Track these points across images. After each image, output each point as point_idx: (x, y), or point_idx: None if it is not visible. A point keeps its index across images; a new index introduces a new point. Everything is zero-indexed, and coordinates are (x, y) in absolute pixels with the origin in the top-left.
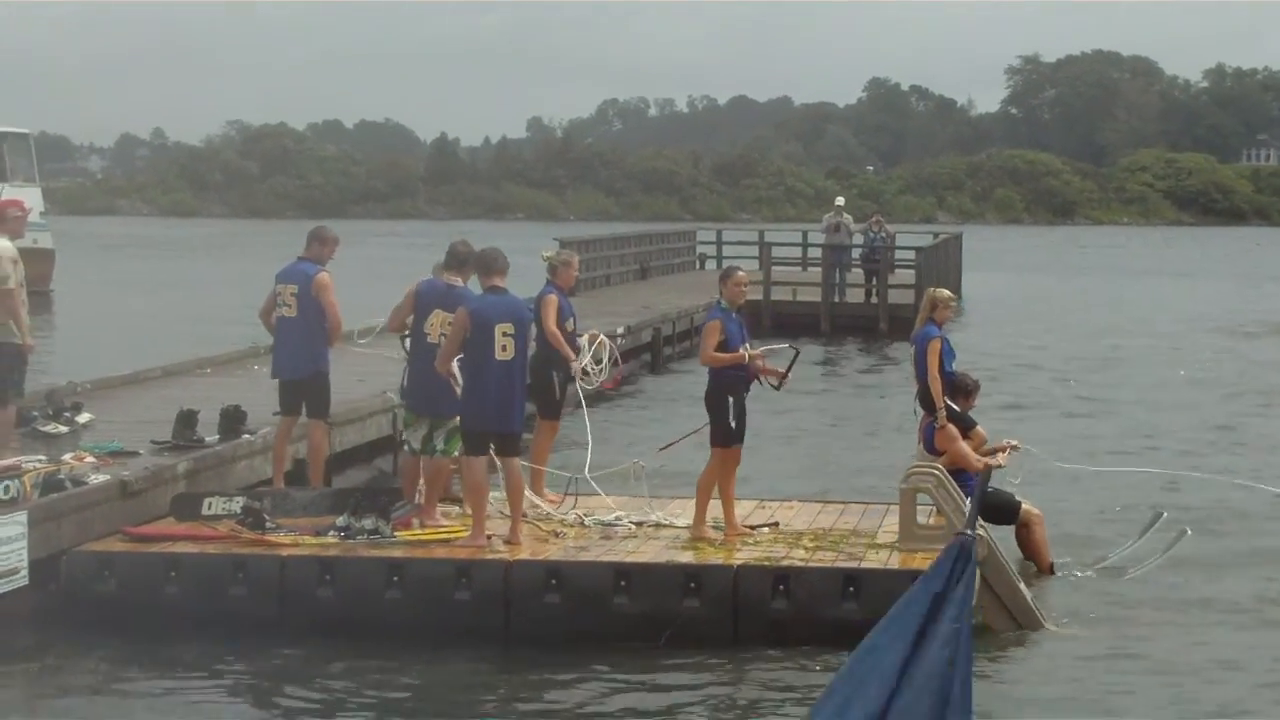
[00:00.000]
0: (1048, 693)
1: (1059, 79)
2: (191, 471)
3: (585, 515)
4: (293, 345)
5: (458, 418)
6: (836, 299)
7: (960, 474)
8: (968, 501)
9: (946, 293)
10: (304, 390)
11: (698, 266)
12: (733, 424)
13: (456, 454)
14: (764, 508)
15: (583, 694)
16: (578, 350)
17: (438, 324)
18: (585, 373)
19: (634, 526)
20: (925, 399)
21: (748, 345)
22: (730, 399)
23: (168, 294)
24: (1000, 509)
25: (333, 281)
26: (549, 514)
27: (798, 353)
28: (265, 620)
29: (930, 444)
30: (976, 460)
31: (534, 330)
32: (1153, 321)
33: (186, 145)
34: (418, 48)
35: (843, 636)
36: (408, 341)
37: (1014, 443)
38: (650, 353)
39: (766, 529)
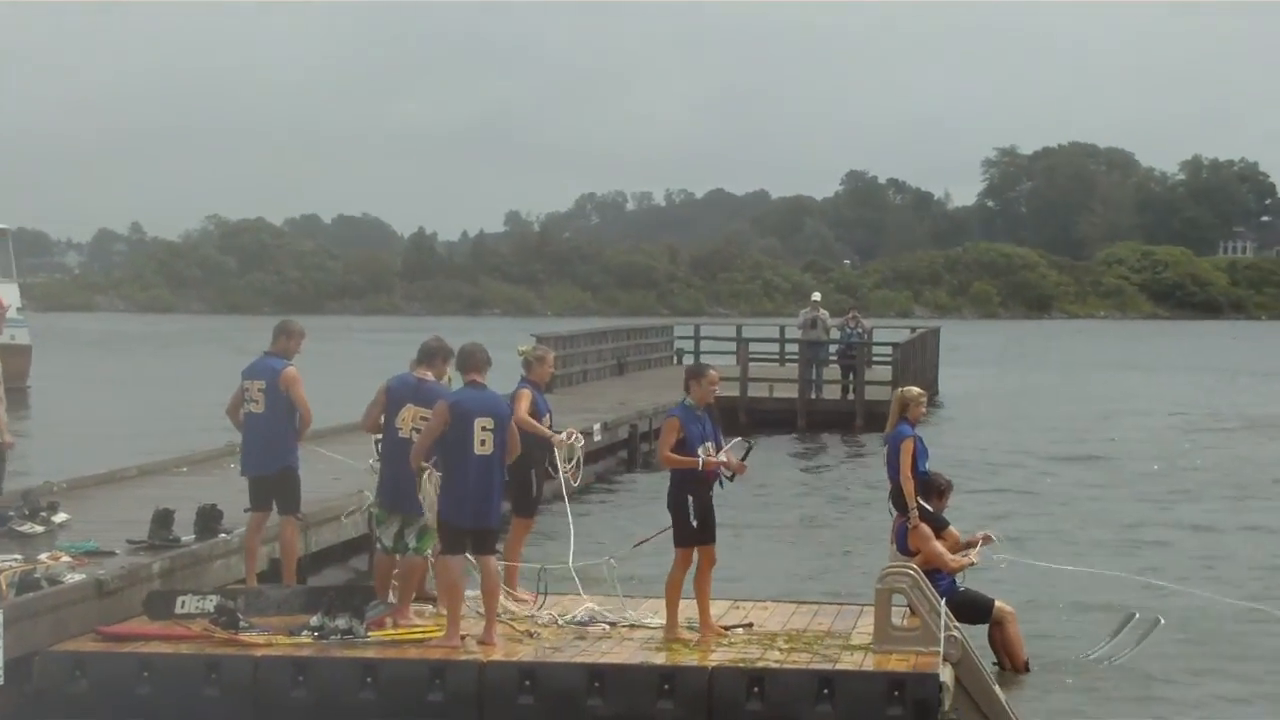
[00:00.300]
0: None
1: (1035, 171)
2: (167, 570)
3: (560, 615)
4: (261, 441)
5: (429, 515)
6: (813, 395)
7: (934, 574)
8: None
9: (916, 390)
10: (273, 486)
11: (675, 361)
12: (694, 523)
13: (430, 553)
14: (738, 608)
15: None
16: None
17: (409, 419)
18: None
19: (608, 626)
20: (898, 499)
21: (707, 447)
22: (690, 498)
23: (145, 391)
24: (974, 607)
25: (300, 376)
26: (527, 614)
27: (750, 446)
28: None
29: (903, 545)
30: (951, 560)
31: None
32: (1131, 416)
33: (164, 240)
34: (395, 140)
35: None
36: (380, 444)
37: (987, 534)
38: (627, 449)
39: (741, 629)
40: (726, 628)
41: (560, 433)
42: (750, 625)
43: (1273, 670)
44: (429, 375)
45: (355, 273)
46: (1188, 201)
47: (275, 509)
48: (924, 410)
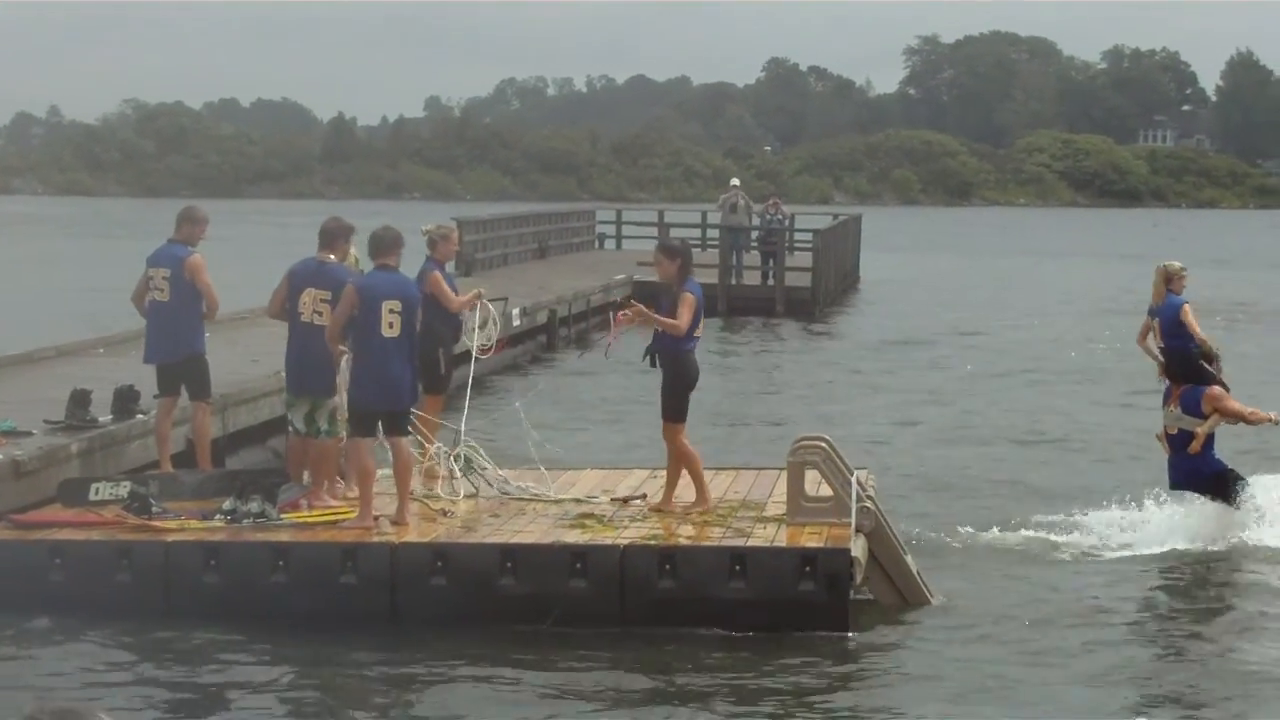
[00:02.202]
0: (916, 668)
1: (957, 59)
2: (85, 451)
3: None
4: (166, 329)
5: (341, 397)
6: (734, 280)
7: (1206, 456)
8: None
9: (1179, 264)
10: (181, 373)
11: (597, 246)
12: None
13: (343, 434)
14: (656, 476)
15: (468, 676)
16: (461, 323)
17: (309, 302)
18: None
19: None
20: (1182, 366)
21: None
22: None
23: (62, 273)
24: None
25: (205, 262)
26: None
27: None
28: (151, 607)
29: (1192, 407)
30: (1250, 412)
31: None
32: (1045, 302)
33: (82, 124)
34: (315, 24)
35: (728, 615)
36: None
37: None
38: (546, 334)
39: (639, 501)
40: (625, 499)
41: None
42: (644, 496)
43: None
44: (330, 257)
45: (274, 157)
46: (1109, 90)
47: (186, 394)
48: (1185, 283)
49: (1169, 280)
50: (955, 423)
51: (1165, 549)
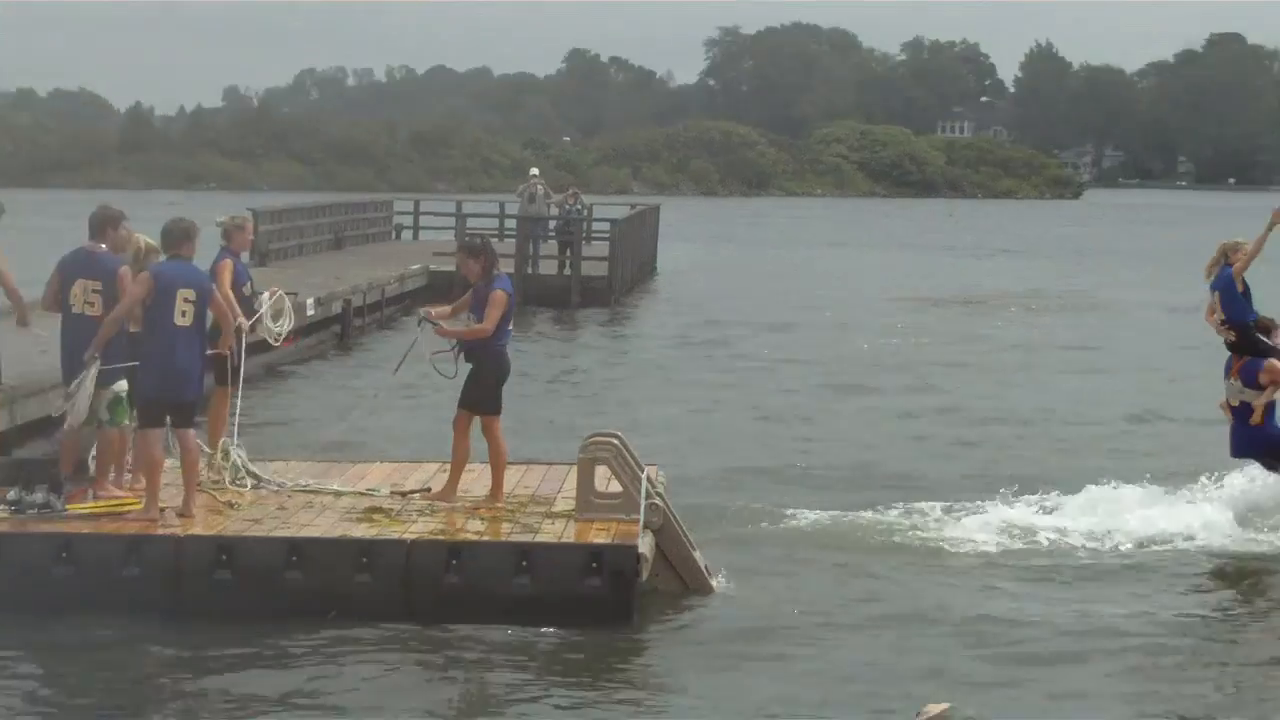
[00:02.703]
0: (699, 663)
1: (758, 51)
2: None
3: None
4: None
5: (117, 385)
6: (530, 270)
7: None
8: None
9: (1241, 239)
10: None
11: (394, 237)
12: None
13: (127, 424)
14: (445, 470)
15: (250, 671)
16: (256, 313)
17: (80, 293)
18: (268, 330)
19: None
20: (1242, 338)
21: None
22: None
23: None
24: None
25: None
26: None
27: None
28: None
29: (1251, 379)
30: None
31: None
32: (844, 293)
33: None
34: (112, 13)
35: (515, 611)
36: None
37: None
38: (340, 324)
39: (419, 494)
40: (404, 493)
41: (261, 294)
42: (429, 489)
43: None
44: (101, 247)
45: (71, 147)
46: (908, 82)
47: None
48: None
49: (1227, 254)
50: (750, 413)
51: (961, 538)
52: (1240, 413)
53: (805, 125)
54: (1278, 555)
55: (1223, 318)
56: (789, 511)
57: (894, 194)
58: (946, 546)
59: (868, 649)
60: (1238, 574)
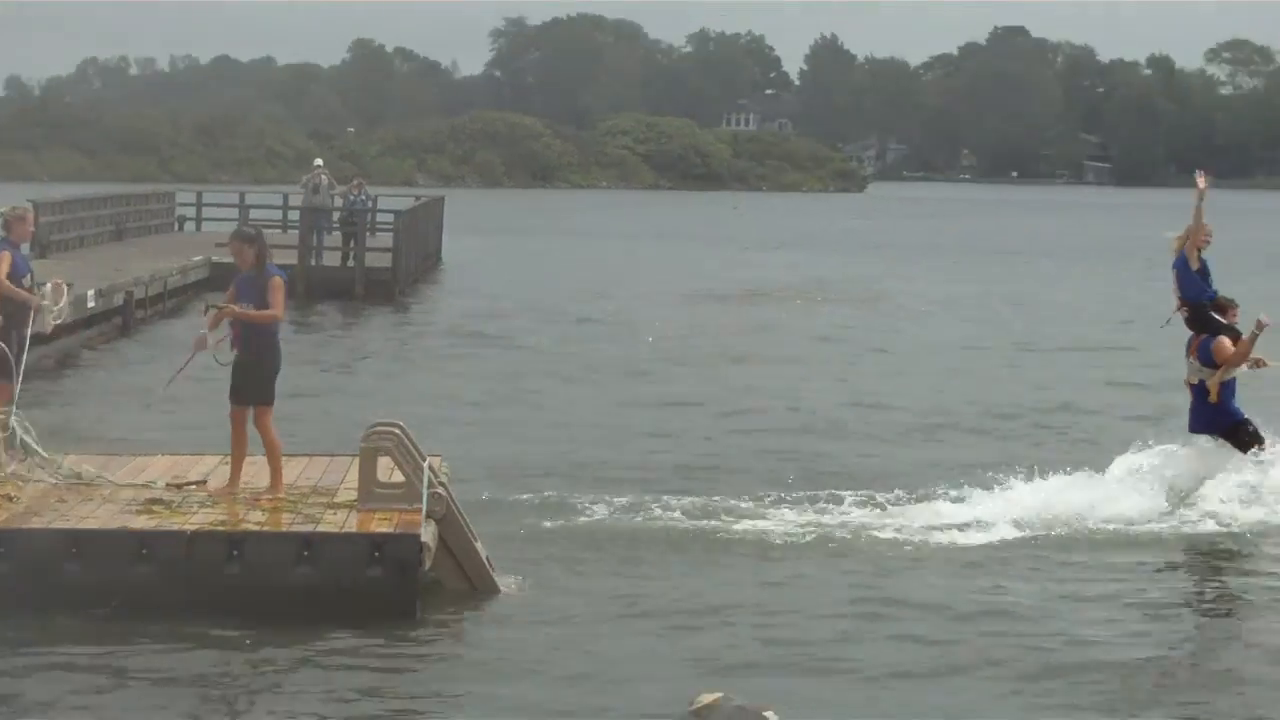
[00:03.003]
0: (479, 657)
1: (543, 42)
2: None
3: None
4: None
5: None
6: (314, 261)
7: (1225, 407)
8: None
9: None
10: None
11: (177, 228)
12: None
13: None
14: (227, 462)
15: (27, 665)
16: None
17: None
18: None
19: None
20: (1195, 317)
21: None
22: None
23: None
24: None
25: None
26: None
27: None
28: None
29: (1206, 357)
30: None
31: None
32: (629, 285)
33: None
34: None
35: (297, 602)
36: None
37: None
38: (121, 315)
39: (194, 485)
40: (180, 485)
41: (44, 285)
42: (204, 481)
43: None
44: None
45: None
46: (694, 74)
47: None
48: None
49: (1190, 237)
50: (532, 404)
51: (748, 529)
52: (1198, 390)
53: (591, 117)
54: (1119, 536)
55: (1179, 295)
56: (574, 505)
57: (679, 186)
58: (733, 538)
59: (649, 643)
60: (1013, 559)
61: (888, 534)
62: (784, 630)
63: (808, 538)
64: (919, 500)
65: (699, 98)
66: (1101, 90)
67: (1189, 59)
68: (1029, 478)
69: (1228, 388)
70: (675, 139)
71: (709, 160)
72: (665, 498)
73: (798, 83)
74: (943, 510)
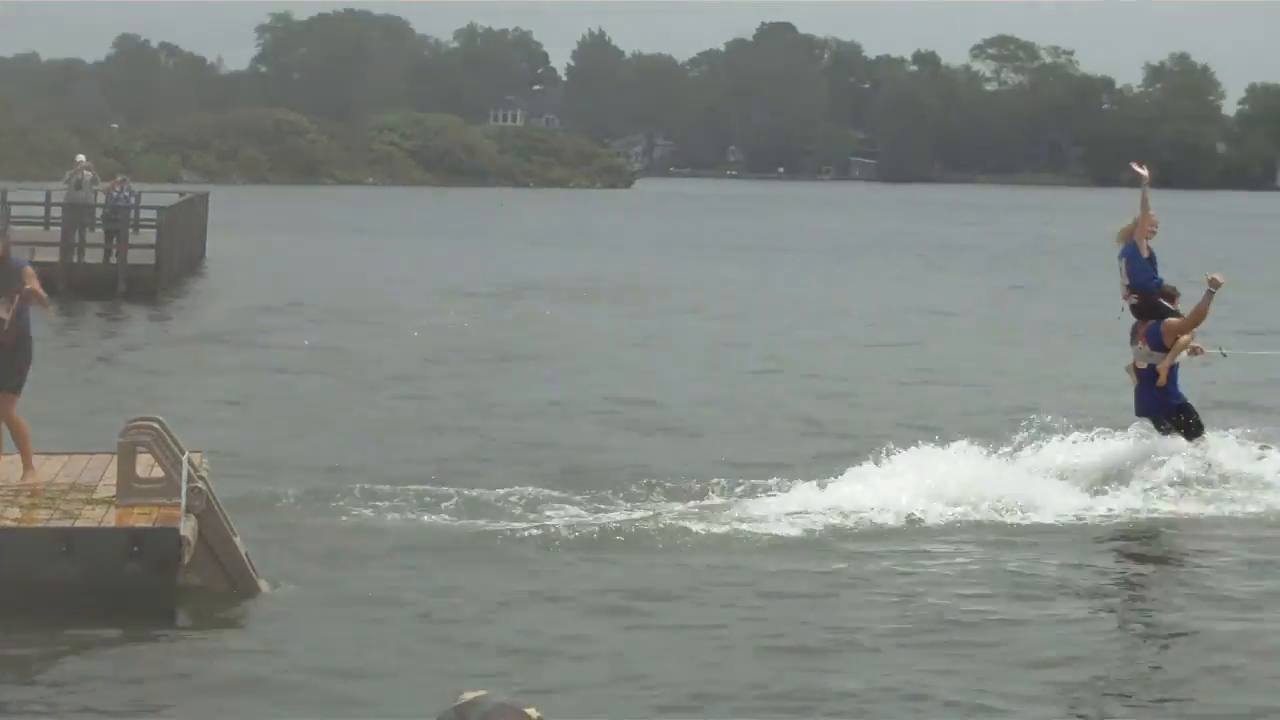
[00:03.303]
0: (237, 655)
1: (310, 37)
2: None
3: None
4: None
5: None
6: (76, 259)
7: (1170, 390)
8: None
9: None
10: None
11: None
12: None
13: None
14: None
15: None
16: None
17: None
18: None
19: None
20: (1144, 304)
21: None
22: None
23: None
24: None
25: None
26: None
27: None
28: None
29: (1156, 341)
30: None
31: None
32: (395, 282)
33: None
34: None
35: (56, 599)
36: None
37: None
38: None
39: None
40: None
41: None
42: None
43: None
44: None
45: None
46: (461, 69)
47: None
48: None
49: (1137, 226)
50: (294, 402)
51: (517, 527)
52: (1146, 375)
53: (358, 113)
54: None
55: (1127, 282)
56: (336, 503)
57: (447, 183)
58: (497, 536)
59: (410, 642)
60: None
61: (651, 527)
62: (547, 627)
63: (572, 535)
64: (677, 497)
65: (467, 94)
66: (867, 86)
67: (955, 55)
68: (800, 479)
69: (1173, 373)
70: (442, 135)
71: (476, 156)
72: (428, 496)
73: (565, 79)
74: (715, 505)
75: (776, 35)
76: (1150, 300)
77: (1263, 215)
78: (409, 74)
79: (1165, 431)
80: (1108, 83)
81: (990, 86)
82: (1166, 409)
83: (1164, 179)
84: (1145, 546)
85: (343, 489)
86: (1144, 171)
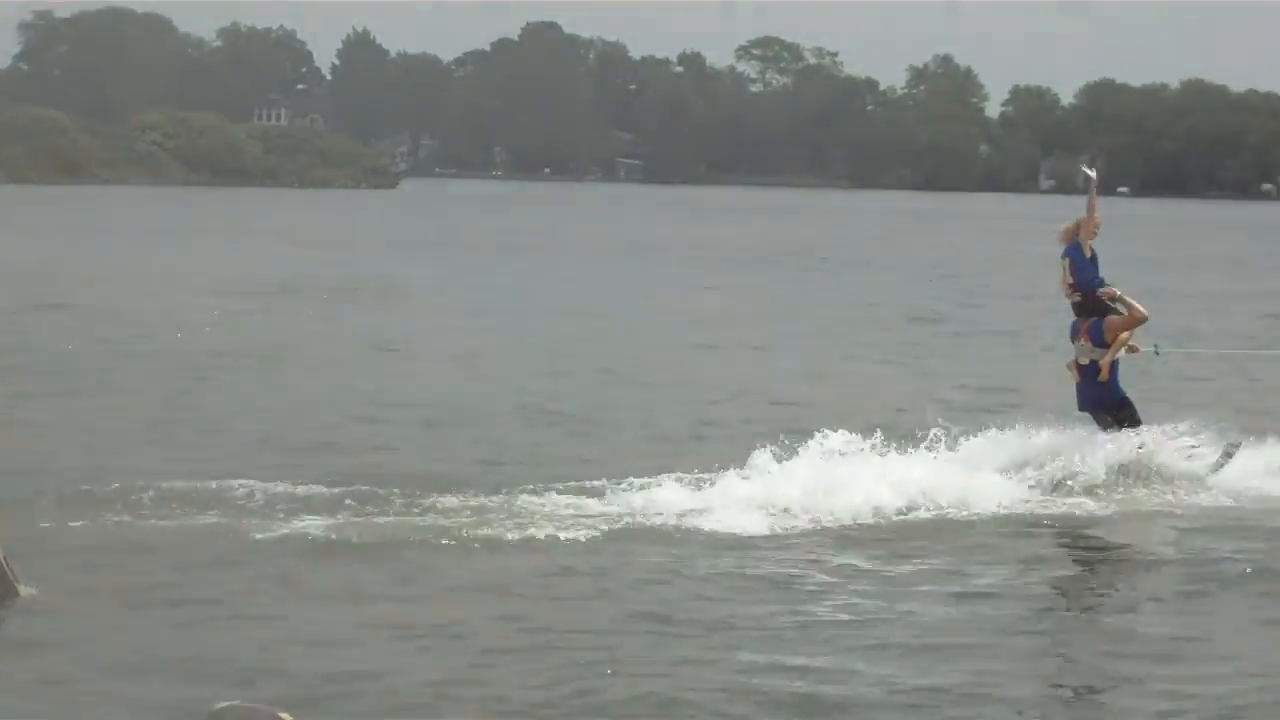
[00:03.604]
0: None
1: (71, 35)
2: None
3: None
4: None
5: None
6: None
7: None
8: None
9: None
10: None
11: None
12: None
13: None
14: None
15: None
16: None
17: None
18: None
19: None
20: (1087, 302)
21: None
22: None
23: None
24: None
25: None
26: None
27: None
28: None
29: (1099, 338)
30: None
31: None
32: (156, 282)
33: None
34: None
35: None
36: None
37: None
38: None
39: None
40: None
41: None
42: None
43: None
44: None
45: None
46: (224, 68)
47: None
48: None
49: (1080, 227)
50: (57, 404)
51: (291, 526)
52: (1088, 371)
53: (121, 111)
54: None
55: (1070, 281)
56: (99, 506)
57: (211, 183)
58: (262, 537)
59: (172, 649)
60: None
61: (429, 534)
62: (311, 634)
63: (332, 536)
64: (445, 493)
65: (230, 92)
66: (633, 87)
67: (720, 56)
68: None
69: (1114, 369)
70: (206, 135)
71: (239, 156)
72: (194, 495)
73: (330, 78)
74: (528, 505)
75: (542, 34)
76: (1094, 298)
77: (1025, 217)
78: (172, 72)
79: (1106, 425)
80: (872, 84)
81: (756, 88)
82: (1107, 404)
83: (926, 181)
84: (1068, 543)
85: (106, 490)
86: (1093, 174)
